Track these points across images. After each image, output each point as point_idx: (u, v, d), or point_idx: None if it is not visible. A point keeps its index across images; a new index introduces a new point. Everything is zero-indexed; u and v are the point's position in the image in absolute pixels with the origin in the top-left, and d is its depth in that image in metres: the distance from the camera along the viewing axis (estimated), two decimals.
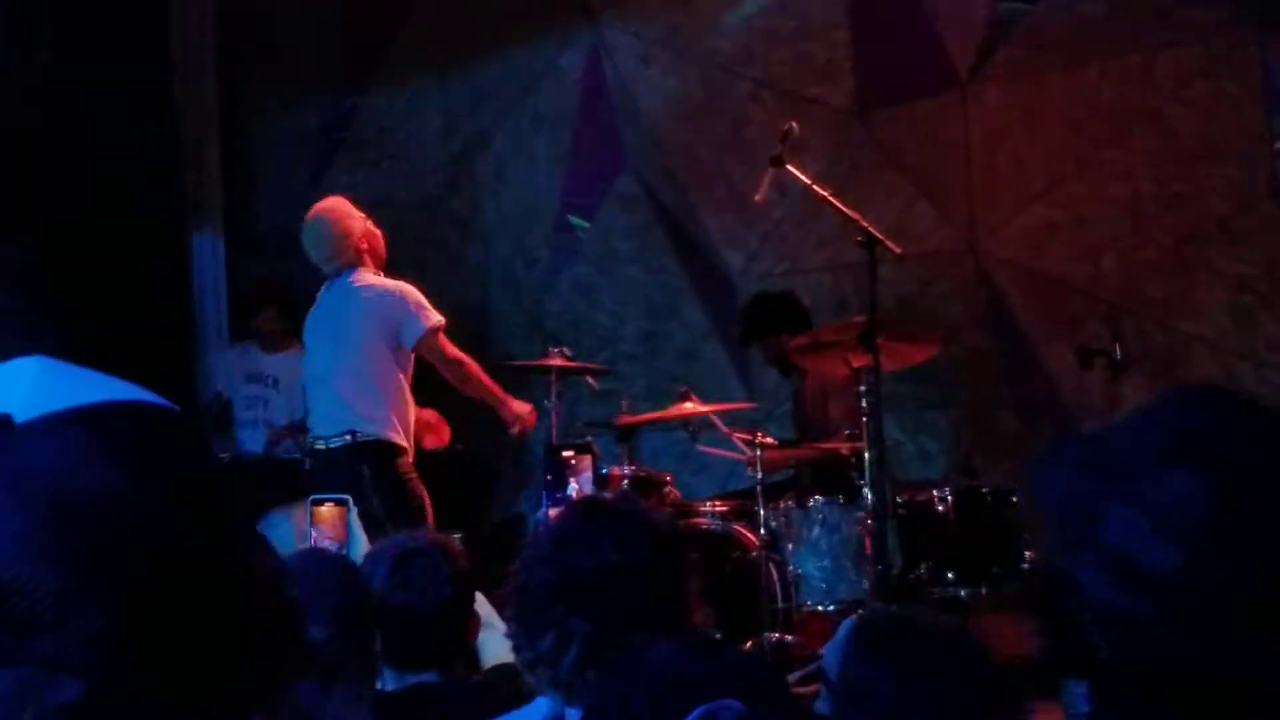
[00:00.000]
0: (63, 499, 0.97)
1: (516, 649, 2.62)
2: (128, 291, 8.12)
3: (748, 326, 7.76)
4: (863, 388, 6.36)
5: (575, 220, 9.17)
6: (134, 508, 0.99)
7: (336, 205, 6.72)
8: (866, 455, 6.37)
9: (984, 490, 6.58)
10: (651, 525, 2.65)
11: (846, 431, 6.70)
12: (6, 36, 7.84)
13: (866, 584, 6.36)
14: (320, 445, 6.46)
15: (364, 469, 6.29)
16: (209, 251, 9.11)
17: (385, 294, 6.49)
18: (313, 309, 6.73)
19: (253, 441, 8.11)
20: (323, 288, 6.70)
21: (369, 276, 6.55)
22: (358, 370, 6.40)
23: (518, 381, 7.71)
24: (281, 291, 8.07)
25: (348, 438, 6.37)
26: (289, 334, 7.83)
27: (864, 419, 6.38)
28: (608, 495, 2.78)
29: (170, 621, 0.98)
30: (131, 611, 0.97)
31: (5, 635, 0.95)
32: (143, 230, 8.50)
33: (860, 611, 4.86)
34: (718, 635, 5.89)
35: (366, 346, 6.41)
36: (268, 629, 1.06)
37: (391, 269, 6.71)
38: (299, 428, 7.49)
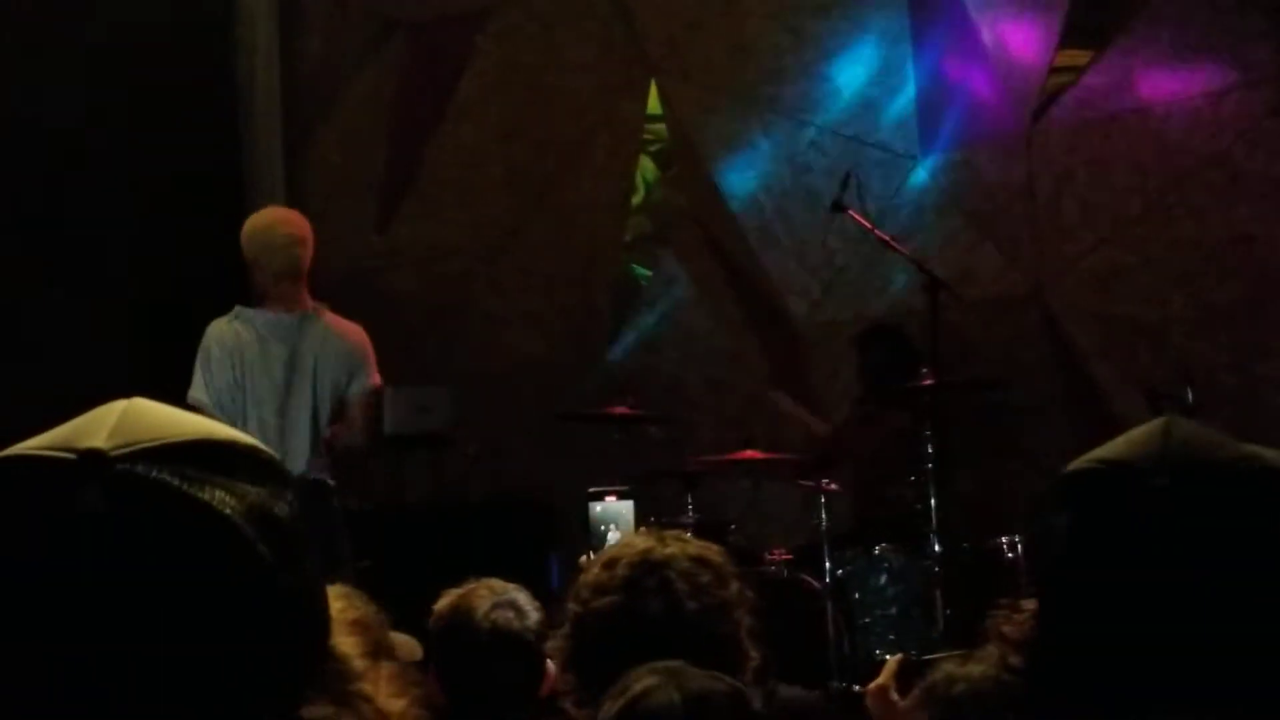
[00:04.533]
0: (157, 532, 1.02)
1: (570, 692, 2.58)
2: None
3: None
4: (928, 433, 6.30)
5: (638, 268, 9.16)
6: (224, 540, 1.03)
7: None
8: (933, 503, 6.30)
9: None
10: (711, 563, 2.62)
11: (911, 479, 6.64)
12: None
13: (934, 633, 6.28)
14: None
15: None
16: None
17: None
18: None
19: None
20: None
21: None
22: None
23: (581, 431, 7.69)
24: None
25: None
26: None
27: (930, 467, 6.32)
28: (662, 535, 2.75)
29: (246, 653, 1.03)
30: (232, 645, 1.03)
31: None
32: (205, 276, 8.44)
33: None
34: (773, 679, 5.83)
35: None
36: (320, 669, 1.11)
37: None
38: None
